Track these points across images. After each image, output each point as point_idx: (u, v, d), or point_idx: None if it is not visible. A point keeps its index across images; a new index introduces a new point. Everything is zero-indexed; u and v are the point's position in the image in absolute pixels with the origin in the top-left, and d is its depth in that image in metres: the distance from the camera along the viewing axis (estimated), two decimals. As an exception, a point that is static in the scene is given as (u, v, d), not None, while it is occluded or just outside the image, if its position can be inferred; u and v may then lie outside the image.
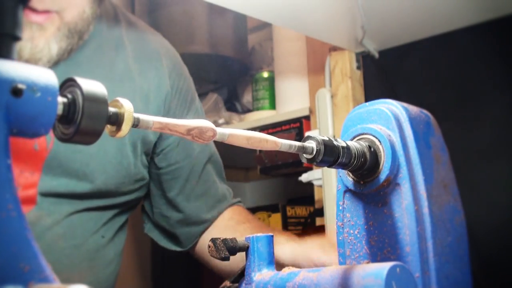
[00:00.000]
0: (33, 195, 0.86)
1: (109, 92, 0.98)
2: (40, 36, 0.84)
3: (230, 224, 1.03)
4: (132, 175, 0.96)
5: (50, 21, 0.85)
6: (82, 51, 0.92)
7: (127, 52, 0.97)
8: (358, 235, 0.62)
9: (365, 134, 0.61)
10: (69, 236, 0.91)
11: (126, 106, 0.42)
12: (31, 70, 0.37)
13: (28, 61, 0.83)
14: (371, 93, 1.13)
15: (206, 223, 1.03)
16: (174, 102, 1.00)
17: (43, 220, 0.87)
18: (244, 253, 0.62)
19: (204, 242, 1.04)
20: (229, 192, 1.08)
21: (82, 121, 0.39)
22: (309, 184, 1.21)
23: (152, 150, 0.99)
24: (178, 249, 1.08)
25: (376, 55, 1.12)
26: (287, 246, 0.88)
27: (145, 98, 0.96)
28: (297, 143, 0.55)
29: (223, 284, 0.64)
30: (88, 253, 0.94)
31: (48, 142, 0.86)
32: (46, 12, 0.83)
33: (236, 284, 0.63)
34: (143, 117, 0.44)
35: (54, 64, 0.88)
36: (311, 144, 0.55)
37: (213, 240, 0.60)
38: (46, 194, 0.87)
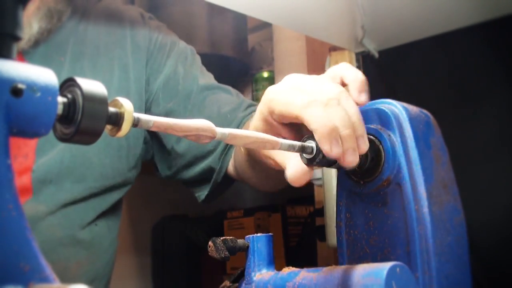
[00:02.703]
0: (27, 184, 0.86)
1: (89, 69, 0.97)
2: None
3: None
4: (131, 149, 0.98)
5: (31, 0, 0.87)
6: (59, 32, 0.94)
7: (100, 28, 0.99)
8: (358, 235, 0.62)
9: (365, 134, 0.61)
10: (65, 226, 0.91)
11: (126, 106, 0.42)
12: (31, 70, 0.37)
13: None
14: (371, 93, 1.12)
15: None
16: (152, 59, 1.01)
17: (39, 210, 0.87)
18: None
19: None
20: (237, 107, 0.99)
21: (82, 121, 0.39)
22: (309, 184, 1.21)
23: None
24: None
25: (376, 55, 1.12)
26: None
27: (124, 67, 0.98)
28: (297, 143, 0.55)
29: (223, 284, 0.64)
30: (84, 242, 0.94)
31: None
32: None
33: (236, 284, 0.63)
34: (143, 116, 0.44)
35: (35, 43, 0.90)
36: (311, 144, 0.55)
37: (213, 240, 0.60)
38: (41, 181, 0.87)
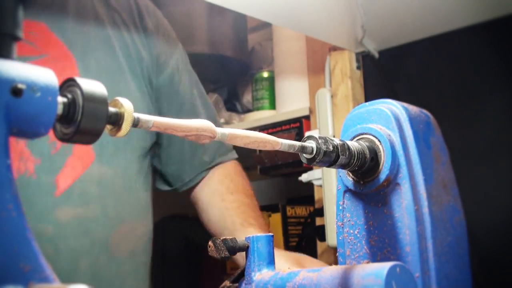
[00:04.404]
0: (89, 147, 0.92)
1: (115, 38, 1.02)
2: None
3: (219, 190, 1.07)
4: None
5: None
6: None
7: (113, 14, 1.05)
8: (358, 235, 0.62)
9: (365, 134, 0.61)
10: (129, 188, 0.97)
11: (126, 106, 0.42)
12: (31, 70, 0.37)
13: None
14: (371, 93, 1.13)
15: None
16: (158, 48, 1.07)
17: (105, 173, 0.94)
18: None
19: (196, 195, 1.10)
20: (222, 147, 1.11)
21: (82, 121, 0.39)
22: (309, 184, 1.21)
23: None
24: (166, 188, 1.12)
25: (376, 55, 1.12)
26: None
27: (134, 44, 1.03)
28: (297, 143, 0.55)
29: (223, 284, 0.64)
30: (142, 207, 1.01)
31: None
32: None
33: (236, 284, 0.63)
34: (143, 116, 0.44)
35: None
36: (311, 144, 0.55)
37: (213, 240, 0.60)
38: (101, 143, 0.92)
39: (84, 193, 0.91)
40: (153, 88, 1.04)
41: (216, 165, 1.10)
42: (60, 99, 0.39)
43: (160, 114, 1.06)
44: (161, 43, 1.07)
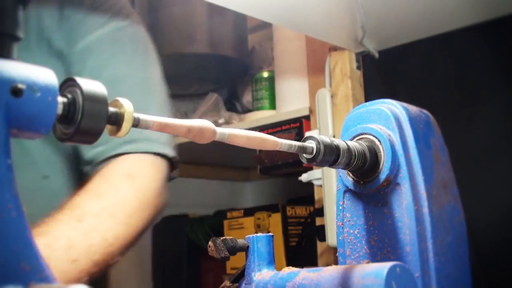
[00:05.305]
0: None
1: None
2: None
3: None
4: None
5: None
6: None
7: None
8: (358, 235, 0.62)
9: (365, 134, 0.61)
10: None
11: (126, 106, 0.42)
12: (31, 70, 0.37)
13: None
14: (371, 93, 1.13)
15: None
16: (75, 19, 1.00)
17: None
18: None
19: None
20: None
21: (82, 121, 0.39)
22: (309, 184, 1.21)
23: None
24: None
25: (376, 55, 1.12)
26: None
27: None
28: (297, 143, 0.55)
29: (223, 284, 0.64)
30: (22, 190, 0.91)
31: None
32: None
33: (236, 284, 0.63)
34: (142, 116, 0.44)
35: None
36: (311, 144, 0.55)
37: (213, 240, 0.60)
38: None
39: None
40: (64, 53, 0.97)
41: (116, 156, 0.92)
42: (60, 99, 0.39)
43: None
44: (85, 15, 0.98)
